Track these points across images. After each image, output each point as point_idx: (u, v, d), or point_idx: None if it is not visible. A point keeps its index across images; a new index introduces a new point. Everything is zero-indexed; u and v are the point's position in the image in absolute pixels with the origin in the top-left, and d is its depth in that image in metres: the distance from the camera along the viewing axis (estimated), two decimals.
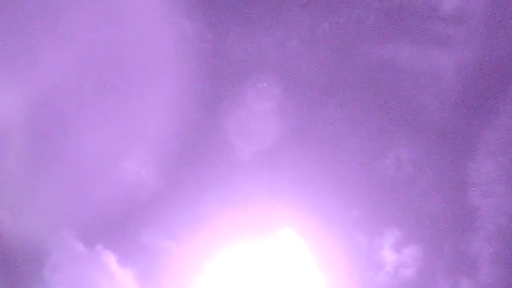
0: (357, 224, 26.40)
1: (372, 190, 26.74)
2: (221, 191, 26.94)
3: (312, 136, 27.44)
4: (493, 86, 26.92)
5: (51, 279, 26.09)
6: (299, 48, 28.04)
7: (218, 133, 27.58)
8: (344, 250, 26.29)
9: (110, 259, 26.29)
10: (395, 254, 26.26)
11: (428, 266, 26.18)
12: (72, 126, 26.85)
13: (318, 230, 26.29)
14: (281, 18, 28.03)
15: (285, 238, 26.57)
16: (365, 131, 27.26)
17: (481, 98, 26.98)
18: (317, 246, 26.42)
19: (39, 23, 27.12)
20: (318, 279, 26.34)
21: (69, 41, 27.02)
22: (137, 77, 27.28)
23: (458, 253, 26.14)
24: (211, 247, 26.43)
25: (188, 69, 27.32)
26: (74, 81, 27.05)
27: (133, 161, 27.15)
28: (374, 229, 26.40)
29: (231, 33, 28.11)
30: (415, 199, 26.73)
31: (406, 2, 27.59)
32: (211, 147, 27.58)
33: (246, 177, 27.18)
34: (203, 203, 26.81)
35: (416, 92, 27.38)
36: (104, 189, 26.33)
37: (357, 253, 26.35)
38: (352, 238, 26.41)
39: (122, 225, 26.62)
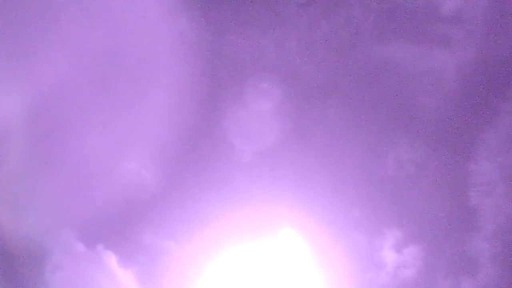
0: (357, 224, 26.42)
1: (373, 191, 26.76)
2: (222, 191, 26.95)
3: (312, 136, 27.47)
4: (493, 86, 26.95)
5: (52, 279, 26.07)
6: (299, 48, 28.06)
7: (219, 133, 27.60)
8: (345, 250, 26.32)
9: (111, 259, 26.29)
10: (396, 254, 26.30)
11: (428, 266, 26.23)
12: (72, 126, 26.81)
13: (318, 230, 26.31)
14: (280, 18, 28.03)
15: (285, 238, 26.59)
16: (365, 131, 27.28)
17: (481, 98, 27.02)
18: (318, 246, 26.45)
19: (38, 23, 27.09)
20: (319, 279, 26.37)
21: (68, 41, 27.00)
22: (137, 77, 27.25)
23: (458, 253, 26.20)
24: (212, 247, 26.44)
25: (188, 69, 27.30)
26: (74, 81, 27.01)
27: (134, 161, 27.15)
28: (375, 229, 26.43)
29: (231, 33, 28.12)
30: (415, 199, 26.76)
31: (406, 2, 27.60)
32: (211, 147, 27.59)
33: (247, 177, 27.21)
34: (204, 203, 26.82)
35: (416, 92, 27.39)
36: (105, 189, 26.32)
37: (357, 253, 26.38)
38: (352, 238, 26.43)
39: (122, 225, 26.63)
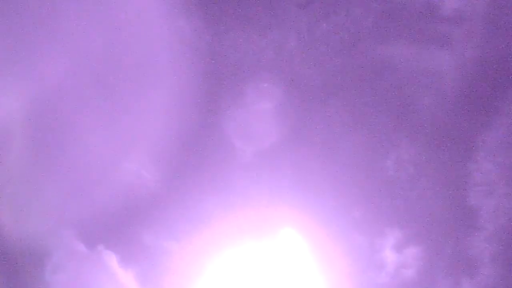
0: (357, 225, 26.45)
1: (373, 191, 26.77)
2: (222, 191, 26.97)
3: (312, 136, 27.45)
4: (493, 86, 26.96)
5: (52, 280, 26.10)
6: (299, 48, 28.03)
7: (219, 133, 27.59)
8: (345, 250, 26.35)
9: (112, 260, 26.30)
10: (396, 255, 26.34)
11: (429, 266, 26.27)
12: (73, 127, 26.80)
13: (318, 230, 26.34)
14: (280, 18, 28.01)
15: (286, 238, 26.61)
16: (365, 132, 27.29)
17: (481, 98, 27.02)
18: (318, 246, 26.47)
19: (38, 23, 27.06)
20: (319, 279, 26.40)
21: (67, 42, 26.98)
22: (137, 78, 27.24)
23: (459, 253, 26.23)
24: (212, 247, 26.46)
25: (188, 69, 27.28)
26: (73, 81, 26.99)
27: (134, 162, 27.14)
28: (375, 230, 26.45)
29: (231, 34, 28.08)
30: (415, 199, 26.77)
31: (406, 2, 27.58)
32: (211, 147, 27.59)
33: (247, 177, 27.21)
34: (205, 203, 26.85)
35: (416, 92, 27.39)
36: (105, 190, 26.33)
37: (358, 253, 26.40)
38: (352, 238, 26.45)
39: (123, 226, 26.65)
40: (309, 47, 28.00)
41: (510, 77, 26.87)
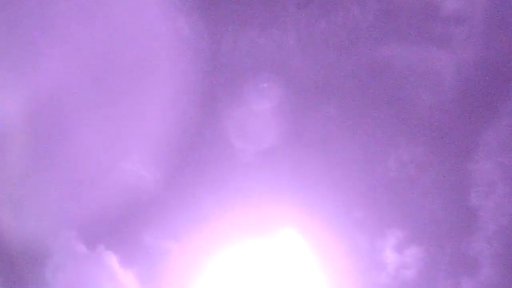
0: (358, 225, 26.47)
1: (374, 191, 26.80)
2: (222, 191, 26.98)
3: (313, 136, 27.47)
4: (493, 86, 26.98)
5: (53, 280, 26.10)
6: (298, 48, 28.03)
7: (219, 133, 27.60)
8: (345, 250, 26.36)
9: (112, 260, 26.31)
10: (397, 255, 26.36)
11: (429, 266, 26.30)
12: (73, 127, 26.80)
13: (319, 230, 26.35)
14: (279, 18, 28.01)
15: (286, 238, 26.63)
16: (366, 132, 27.30)
17: (481, 98, 27.04)
18: (319, 246, 26.49)
19: (38, 23, 27.05)
20: (319, 279, 26.42)
21: (67, 42, 26.98)
22: (137, 78, 27.23)
23: (459, 253, 26.26)
24: (212, 247, 26.48)
25: (188, 69, 27.29)
26: (73, 81, 26.98)
27: (134, 162, 27.15)
28: (376, 230, 26.46)
29: (230, 33, 28.08)
30: (416, 200, 26.81)
31: (406, 2, 27.59)
32: (211, 147, 27.60)
33: (247, 176, 27.21)
34: (205, 203, 26.85)
35: (416, 92, 27.40)
36: (105, 190, 26.35)
37: (358, 253, 26.42)
38: (353, 238, 26.47)
39: (123, 226, 26.64)
40: (308, 47, 28.01)
41: (510, 77, 26.89)
